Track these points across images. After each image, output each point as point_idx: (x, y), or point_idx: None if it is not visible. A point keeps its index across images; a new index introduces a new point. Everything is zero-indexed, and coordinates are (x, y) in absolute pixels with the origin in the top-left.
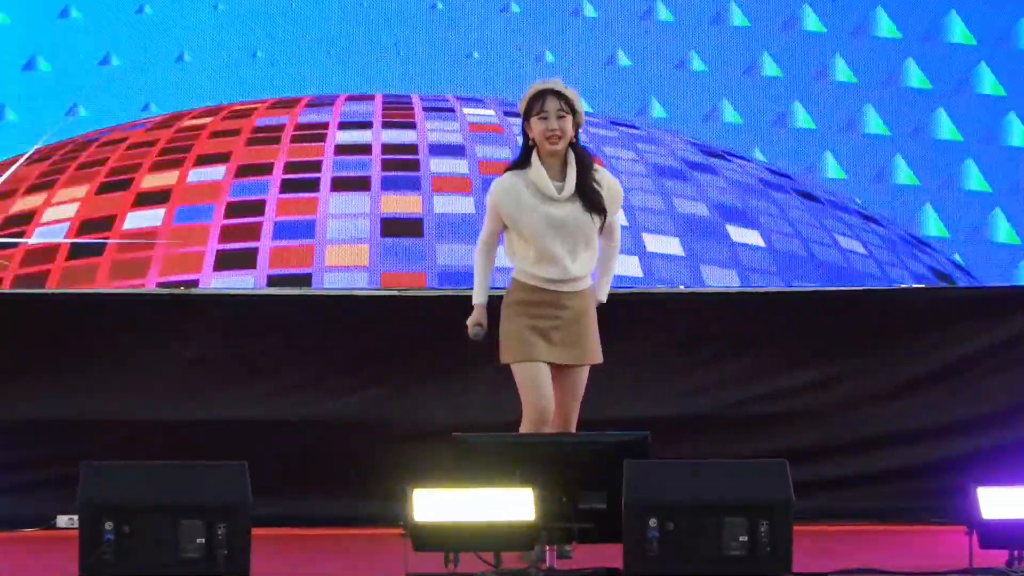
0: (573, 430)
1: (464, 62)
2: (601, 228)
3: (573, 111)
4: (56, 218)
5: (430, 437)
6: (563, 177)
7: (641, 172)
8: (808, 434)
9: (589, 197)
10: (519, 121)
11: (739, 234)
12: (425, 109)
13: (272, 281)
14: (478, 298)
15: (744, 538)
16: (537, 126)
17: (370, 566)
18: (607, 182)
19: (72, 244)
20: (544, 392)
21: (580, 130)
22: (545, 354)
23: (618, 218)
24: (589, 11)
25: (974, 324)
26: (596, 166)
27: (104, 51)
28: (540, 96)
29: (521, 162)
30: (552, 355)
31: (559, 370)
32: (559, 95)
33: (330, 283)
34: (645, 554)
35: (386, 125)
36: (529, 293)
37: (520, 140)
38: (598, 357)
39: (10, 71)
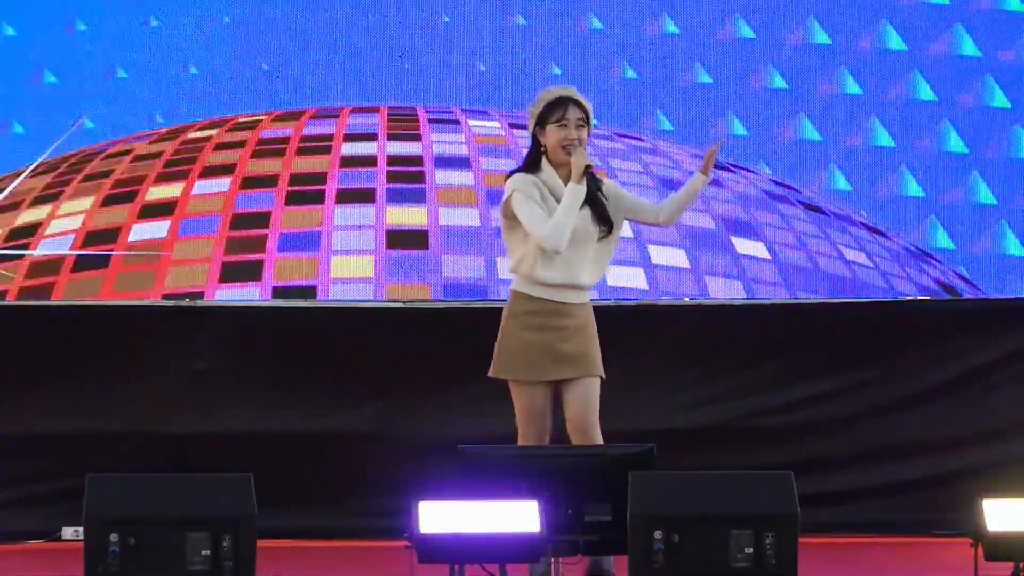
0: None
1: (470, 74)
2: (609, 234)
3: (588, 122)
4: (61, 230)
5: (435, 449)
6: None
7: (647, 184)
8: (813, 446)
9: (597, 208)
10: (525, 133)
11: (744, 246)
12: (430, 121)
13: (277, 293)
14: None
15: (750, 550)
16: (555, 134)
17: None
18: (612, 191)
19: (77, 256)
20: (543, 419)
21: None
22: (548, 372)
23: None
24: (595, 24)
25: (980, 336)
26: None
27: (110, 63)
28: (561, 104)
29: (529, 167)
30: (556, 372)
31: (568, 384)
32: (580, 105)
33: (335, 295)
34: (650, 566)
35: (391, 137)
36: (532, 304)
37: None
38: (600, 370)
39: (17, 83)
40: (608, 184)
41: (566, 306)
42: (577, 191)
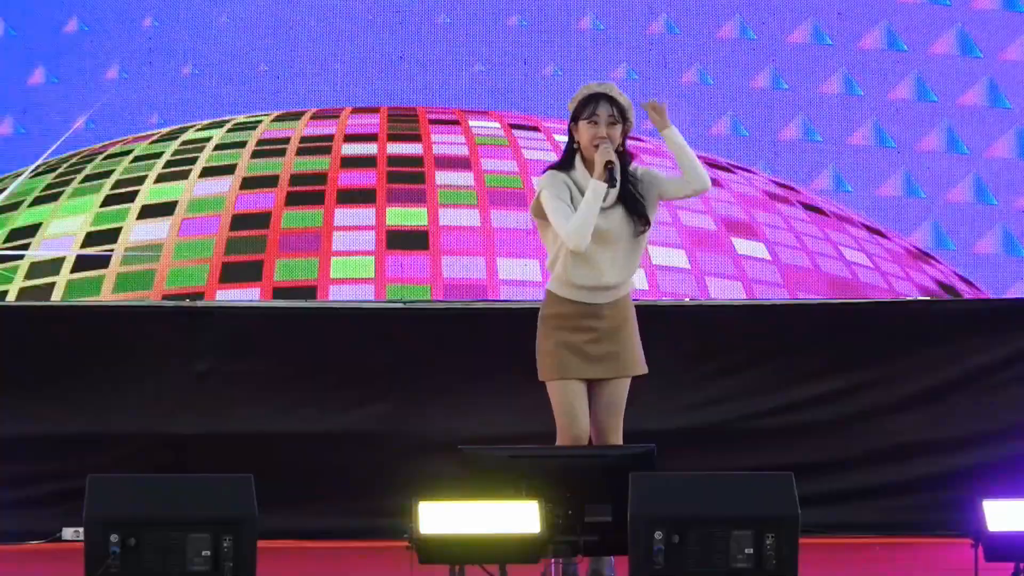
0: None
1: (470, 75)
2: (646, 230)
3: (624, 119)
4: (61, 230)
5: (436, 450)
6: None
7: None
8: (814, 447)
9: (632, 205)
10: (524, 134)
11: (744, 246)
12: (431, 121)
13: (277, 293)
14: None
15: (750, 551)
16: (586, 131)
17: None
18: (645, 177)
19: (77, 256)
20: (578, 417)
21: (626, 138)
22: (579, 371)
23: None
24: (595, 24)
25: (980, 337)
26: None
27: (110, 63)
28: (593, 100)
29: (563, 164)
30: (586, 371)
31: (596, 384)
32: (612, 101)
33: (336, 296)
34: (651, 567)
35: (391, 138)
36: (563, 306)
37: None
38: (639, 368)
39: (16, 83)
40: (642, 172)
41: (596, 307)
42: (598, 188)
